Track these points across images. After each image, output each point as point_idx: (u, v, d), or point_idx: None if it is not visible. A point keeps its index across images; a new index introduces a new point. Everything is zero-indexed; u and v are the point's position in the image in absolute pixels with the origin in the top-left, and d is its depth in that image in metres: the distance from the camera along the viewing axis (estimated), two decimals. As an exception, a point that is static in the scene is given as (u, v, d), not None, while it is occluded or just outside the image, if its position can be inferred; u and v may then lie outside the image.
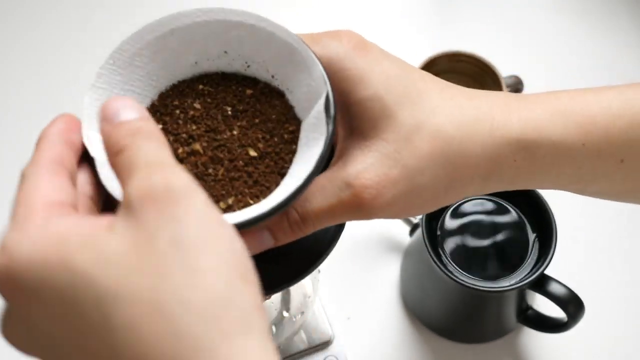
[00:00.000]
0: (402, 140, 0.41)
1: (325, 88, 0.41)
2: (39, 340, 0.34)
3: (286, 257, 0.45)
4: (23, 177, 0.37)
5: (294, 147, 0.42)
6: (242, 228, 0.38)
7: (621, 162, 0.43)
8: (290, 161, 0.42)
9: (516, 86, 0.85)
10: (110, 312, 0.31)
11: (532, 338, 0.76)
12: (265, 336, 0.32)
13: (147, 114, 0.37)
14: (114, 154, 0.35)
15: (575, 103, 0.43)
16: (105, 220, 0.34)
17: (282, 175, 0.42)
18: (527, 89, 0.86)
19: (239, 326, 0.31)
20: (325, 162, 0.40)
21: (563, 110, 0.43)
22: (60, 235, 0.33)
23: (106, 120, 0.36)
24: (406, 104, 0.42)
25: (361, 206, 0.41)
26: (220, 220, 0.33)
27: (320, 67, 0.41)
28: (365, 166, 0.41)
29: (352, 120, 0.42)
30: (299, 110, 0.43)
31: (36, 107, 0.88)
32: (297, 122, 0.43)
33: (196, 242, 0.32)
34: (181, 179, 0.33)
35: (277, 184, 0.42)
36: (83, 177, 0.38)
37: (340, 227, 0.48)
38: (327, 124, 0.40)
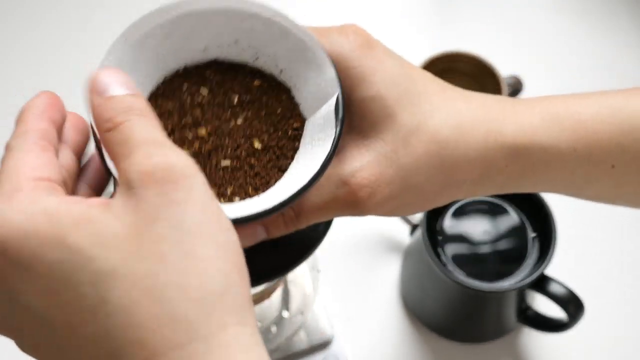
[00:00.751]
0: (400, 141, 0.42)
1: (337, 90, 0.41)
2: (17, 318, 0.33)
3: (277, 247, 0.45)
4: (9, 148, 0.36)
5: (297, 144, 0.42)
6: (241, 223, 0.38)
7: (612, 168, 0.44)
8: (292, 158, 0.42)
9: (516, 86, 0.85)
10: (107, 293, 0.31)
11: (532, 338, 0.76)
12: (256, 329, 0.32)
13: (138, 90, 0.36)
14: (106, 129, 0.34)
15: (567, 109, 0.44)
16: (95, 201, 0.33)
17: (283, 171, 0.42)
18: (527, 89, 0.86)
19: (234, 316, 0.32)
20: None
21: (555, 115, 0.43)
22: (51, 211, 0.32)
23: (96, 93, 0.35)
24: (406, 105, 0.42)
25: (356, 204, 0.42)
26: (219, 210, 0.33)
27: (333, 69, 0.41)
28: (362, 164, 0.42)
29: (351, 118, 0.42)
30: (304, 108, 0.43)
31: (36, 107, 0.88)
32: (301, 120, 0.43)
33: (196, 229, 0.32)
34: (181, 160, 0.33)
35: (276, 179, 0.42)
36: (62, 158, 0.38)
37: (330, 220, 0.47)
38: (336, 126, 0.40)
